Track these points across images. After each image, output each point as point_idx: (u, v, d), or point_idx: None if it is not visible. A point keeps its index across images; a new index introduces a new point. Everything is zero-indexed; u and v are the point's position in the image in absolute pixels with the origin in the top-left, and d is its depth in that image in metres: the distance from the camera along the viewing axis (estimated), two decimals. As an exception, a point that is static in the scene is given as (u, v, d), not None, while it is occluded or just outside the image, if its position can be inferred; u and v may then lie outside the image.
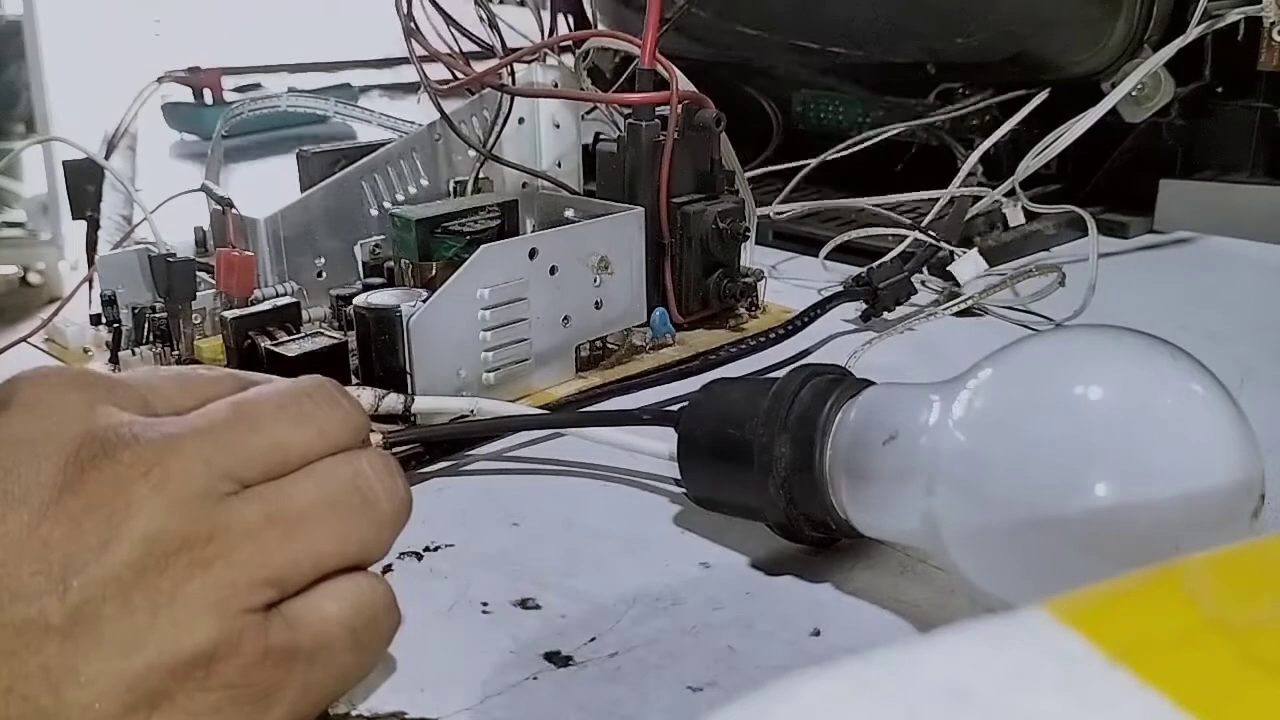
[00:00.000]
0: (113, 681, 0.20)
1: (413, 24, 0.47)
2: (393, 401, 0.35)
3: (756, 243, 0.51)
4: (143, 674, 0.20)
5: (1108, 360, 0.24)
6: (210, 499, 0.22)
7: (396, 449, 0.35)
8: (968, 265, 0.50)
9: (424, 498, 0.34)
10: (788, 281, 0.55)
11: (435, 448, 0.37)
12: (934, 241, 0.52)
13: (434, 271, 0.42)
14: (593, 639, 0.27)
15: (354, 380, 0.39)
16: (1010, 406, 0.24)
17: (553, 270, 0.40)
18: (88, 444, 0.21)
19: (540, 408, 0.39)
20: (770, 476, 0.28)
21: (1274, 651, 0.12)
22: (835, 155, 0.64)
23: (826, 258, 0.55)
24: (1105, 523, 0.22)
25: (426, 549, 0.31)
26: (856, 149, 0.64)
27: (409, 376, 0.37)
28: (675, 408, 0.33)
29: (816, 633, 0.27)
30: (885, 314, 0.48)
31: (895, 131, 0.64)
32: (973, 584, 0.25)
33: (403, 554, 0.31)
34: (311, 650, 0.22)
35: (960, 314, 0.49)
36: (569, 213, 0.45)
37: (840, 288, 0.51)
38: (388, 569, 0.30)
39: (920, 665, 0.13)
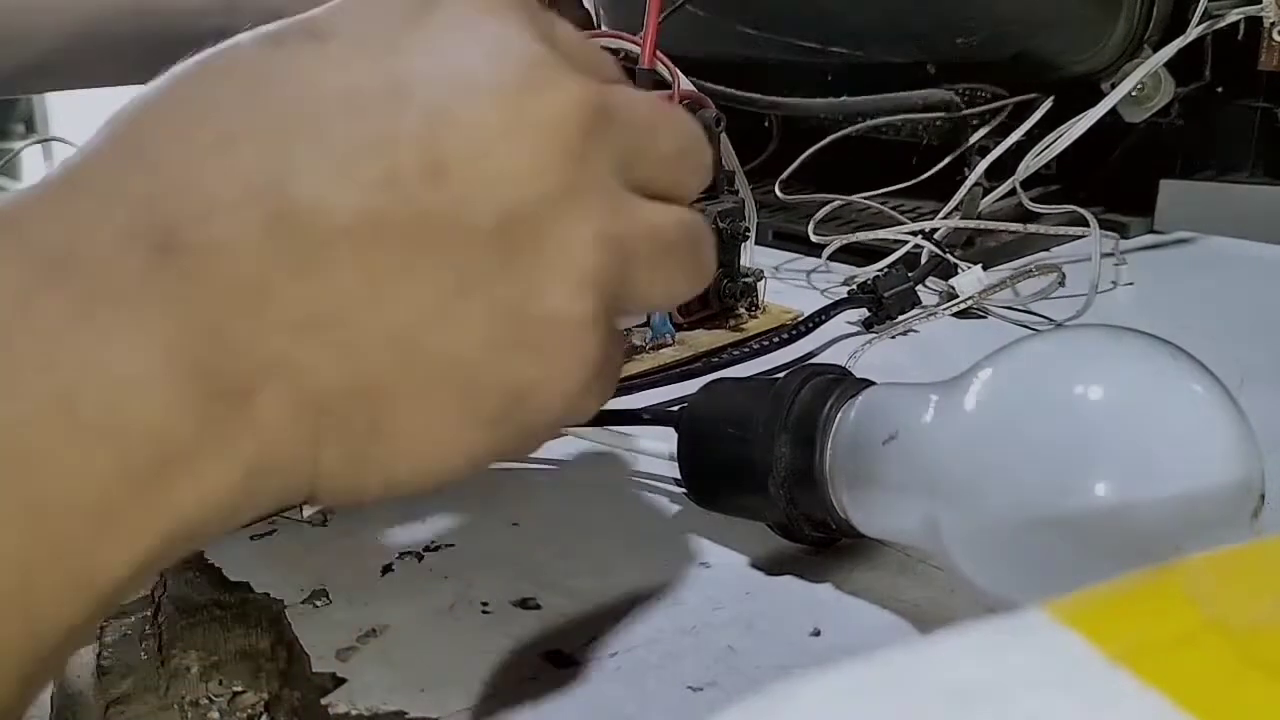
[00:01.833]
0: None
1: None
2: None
3: (756, 243, 0.51)
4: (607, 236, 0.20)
5: (1108, 360, 0.24)
6: (615, 172, 0.21)
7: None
8: (970, 280, 0.50)
9: (423, 497, 0.34)
10: (788, 282, 0.55)
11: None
12: (940, 251, 0.52)
13: None
14: (593, 639, 0.27)
15: None
16: (1010, 406, 0.24)
17: None
18: (524, 51, 0.20)
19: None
20: (770, 476, 0.28)
21: (1274, 652, 0.12)
22: (843, 135, 0.64)
23: (828, 258, 0.56)
24: (1105, 523, 0.22)
25: (426, 549, 0.31)
26: (851, 132, 0.64)
27: None
28: (675, 408, 0.33)
29: (816, 633, 0.27)
30: (888, 321, 0.48)
31: (900, 123, 0.64)
32: (973, 584, 0.25)
33: (403, 554, 0.31)
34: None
35: (960, 314, 0.49)
36: None
37: (843, 290, 0.51)
38: (388, 569, 0.30)
39: (920, 666, 0.13)
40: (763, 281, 0.49)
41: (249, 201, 0.17)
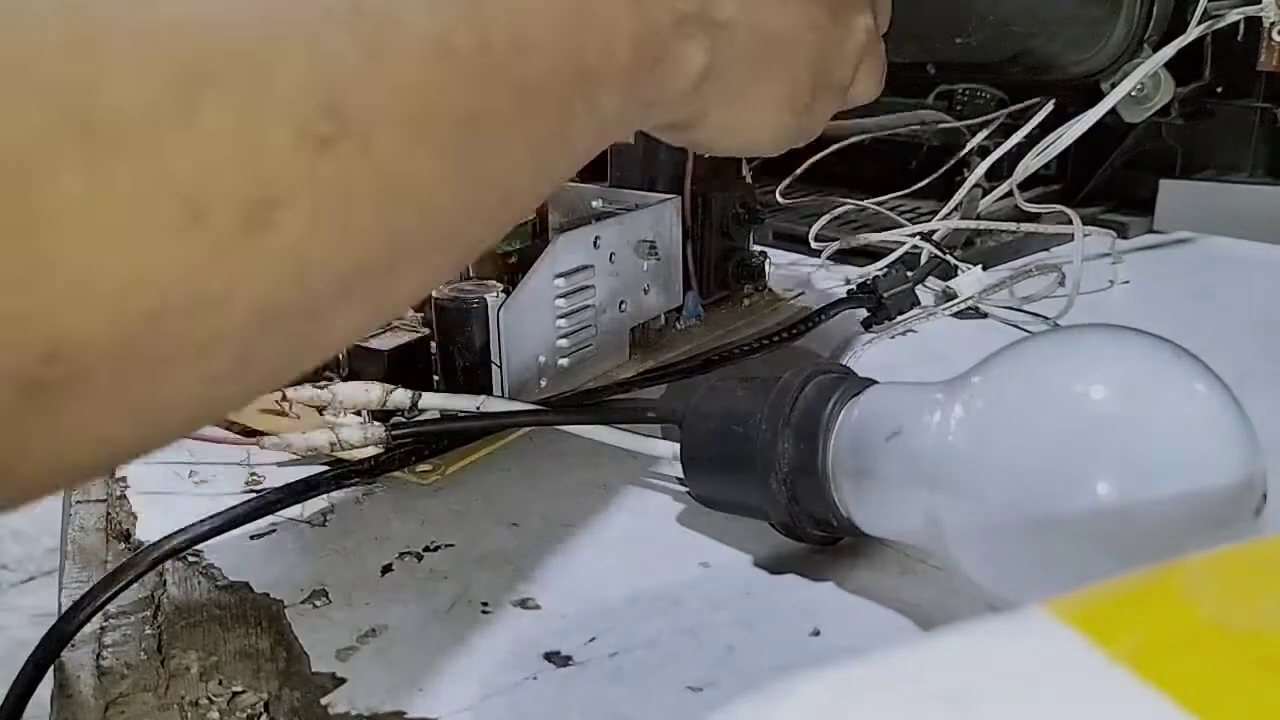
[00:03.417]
0: None
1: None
2: (400, 397, 0.35)
3: (756, 242, 0.51)
4: None
5: (1110, 359, 0.24)
6: None
7: (399, 442, 0.35)
8: (970, 281, 0.50)
9: (423, 498, 0.34)
10: (790, 281, 0.55)
11: (436, 444, 0.37)
12: (939, 253, 0.52)
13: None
14: (593, 639, 0.27)
15: (434, 377, 0.39)
16: (1013, 405, 0.24)
17: (611, 257, 0.42)
18: None
19: (537, 403, 0.39)
20: (773, 474, 0.28)
21: (1274, 652, 0.12)
22: (840, 147, 0.64)
23: (827, 258, 0.55)
24: (1107, 522, 0.22)
25: (426, 549, 0.31)
26: (859, 140, 0.64)
27: (500, 368, 0.37)
28: (678, 405, 0.33)
29: (816, 633, 0.27)
30: (887, 321, 0.48)
31: (900, 129, 0.64)
32: (974, 582, 0.25)
33: (403, 554, 0.31)
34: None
35: (959, 314, 0.49)
36: (596, 203, 0.46)
37: (843, 291, 0.51)
38: (388, 569, 0.30)
39: (921, 665, 0.13)
40: (768, 261, 0.50)
41: None
